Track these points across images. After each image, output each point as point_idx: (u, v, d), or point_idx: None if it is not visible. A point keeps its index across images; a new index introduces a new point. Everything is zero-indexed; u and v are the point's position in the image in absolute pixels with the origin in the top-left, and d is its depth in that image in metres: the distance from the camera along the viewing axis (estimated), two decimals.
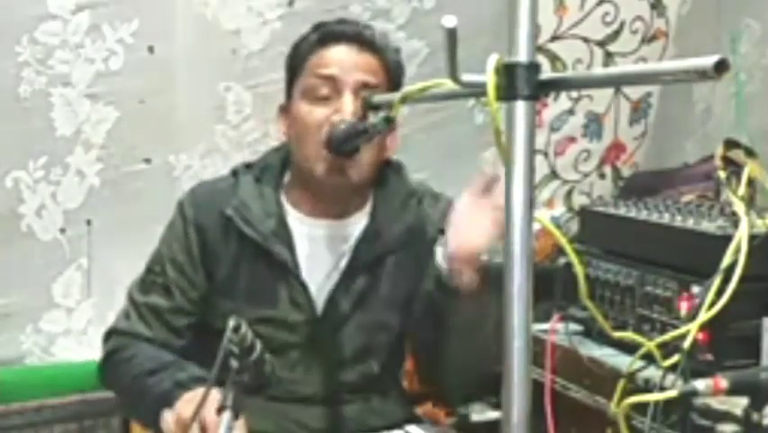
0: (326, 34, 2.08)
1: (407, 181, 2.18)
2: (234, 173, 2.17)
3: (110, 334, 2.12)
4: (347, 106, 2.00)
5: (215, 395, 1.58)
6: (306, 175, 2.07)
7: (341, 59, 2.05)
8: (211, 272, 2.09)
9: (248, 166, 2.18)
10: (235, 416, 1.56)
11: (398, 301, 2.10)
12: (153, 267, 2.13)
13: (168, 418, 1.78)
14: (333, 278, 2.08)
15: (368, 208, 2.13)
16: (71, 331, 2.78)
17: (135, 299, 2.11)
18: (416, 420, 2.15)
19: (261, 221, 2.07)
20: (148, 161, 2.80)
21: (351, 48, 2.06)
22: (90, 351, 2.68)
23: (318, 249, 2.10)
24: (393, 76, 2.11)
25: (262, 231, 2.06)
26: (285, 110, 2.14)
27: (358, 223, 2.11)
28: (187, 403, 1.78)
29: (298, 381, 2.05)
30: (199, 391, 1.80)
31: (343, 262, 2.08)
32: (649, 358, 1.92)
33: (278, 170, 2.15)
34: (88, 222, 2.77)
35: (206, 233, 2.09)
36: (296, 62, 2.11)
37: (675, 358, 1.82)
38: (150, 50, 2.74)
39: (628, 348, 2.09)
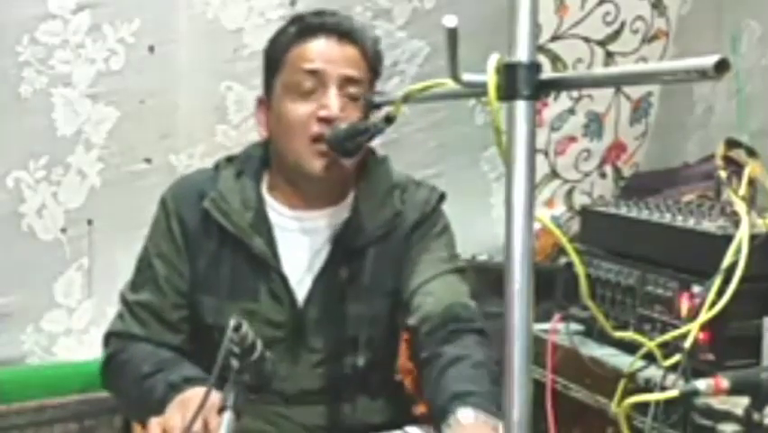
0: (306, 27, 2.06)
1: (391, 174, 2.16)
2: (216, 167, 2.16)
3: (108, 337, 2.11)
4: (332, 102, 1.99)
5: (212, 400, 1.58)
6: (291, 169, 2.06)
7: (323, 52, 2.03)
8: (194, 264, 2.08)
9: (229, 159, 2.17)
10: (237, 416, 1.56)
11: (384, 292, 2.08)
12: (141, 265, 2.12)
13: (153, 424, 1.77)
14: (315, 270, 2.06)
15: (350, 199, 2.11)
16: (72, 331, 2.78)
17: (127, 299, 2.10)
18: (416, 420, 2.15)
19: (240, 214, 2.06)
20: (149, 160, 2.80)
21: (331, 40, 2.04)
22: (91, 351, 2.68)
23: (299, 241, 2.09)
24: (373, 65, 2.10)
25: (240, 224, 2.05)
26: (264, 103, 2.13)
27: (340, 214, 2.10)
28: (176, 407, 1.77)
29: (283, 378, 2.03)
30: (191, 392, 1.80)
31: (324, 254, 2.07)
32: (650, 358, 1.92)
33: (259, 163, 2.14)
34: (89, 222, 2.77)
35: (188, 225, 2.08)
36: (275, 56, 2.08)
37: (676, 358, 1.82)
38: (151, 49, 2.74)
39: (629, 348, 2.09)
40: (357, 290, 2.07)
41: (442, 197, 2.17)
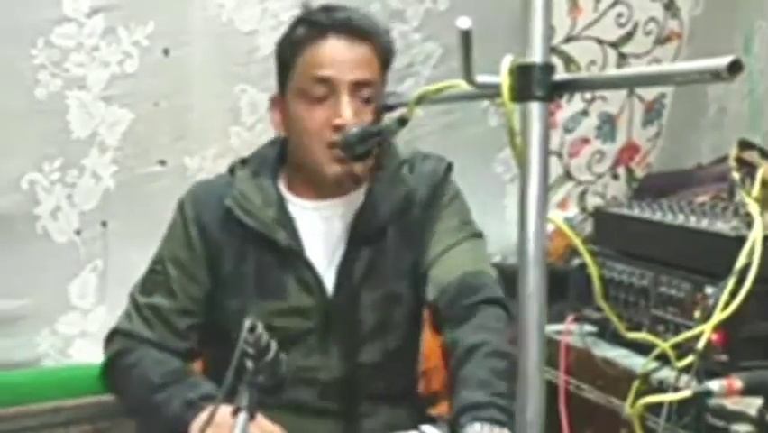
0: (314, 27, 2.04)
1: (397, 151, 2.15)
2: (231, 169, 2.17)
3: (112, 335, 2.11)
4: (345, 110, 1.98)
5: (227, 410, 1.58)
6: (312, 171, 2.06)
7: (333, 57, 2.01)
8: (216, 269, 2.08)
9: (244, 161, 2.17)
10: (251, 417, 1.56)
11: (406, 270, 2.09)
12: (154, 267, 2.12)
13: None
14: (337, 258, 2.07)
15: (365, 184, 2.12)
16: (87, 333, 2.79)
17: (137, 300, 2.10)
18: (430, 421, 2.15)
19: (262, 210, 2.06)
20: (163, 162, 2.81)
21: (341, 41, 2.02)
22: None
23: (321, 230, 2.09)
24: (385, 59, 2.09)
25: (264, 219, 2.05)
26: (278, 102, 2.13)
27: (356, 199, 2.11)
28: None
29: (316, 367, 2.04)
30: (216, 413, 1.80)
31: (345, 241, 2.08)
32: (663, 359, 1.92)
33: (274, 162, 2.15)
34: (104, 224, 2.78)
35: (208, 229, 2.08)
36: (286, 59, 2.08)
37: (689, 359, 1.82)
38: (165, 52, 2.74)
39: (642, 349, 2.09)
40: (381, 272, 2.08)
41: (449, 166, 2.17)
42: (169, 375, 1.97)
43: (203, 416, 1.79)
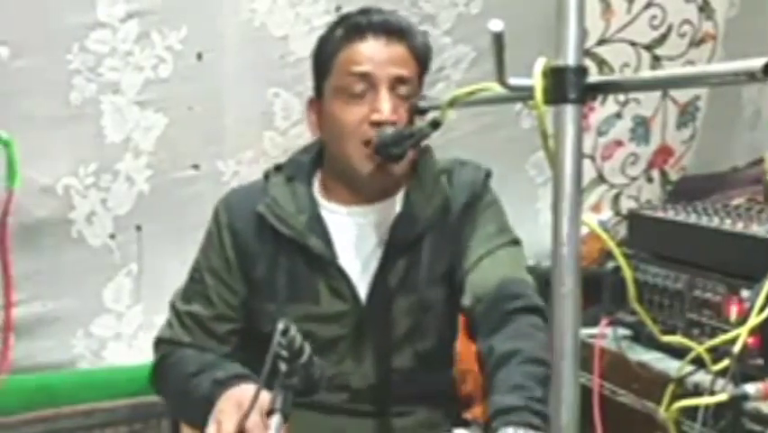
0: (353, 28, 2.06)
1: (435, 161, 2.15)
2: (266, 176, 2.17)
3: (157, 343, 2.14)
4: (384, 105, 1.99)
5: (263, 399, 1.59)
6: (346, 171, 2.07)
7: (371, 54, 2.03)
8: (249, 275, 2.09)
9: (278, 168, 2.18)
10: (285, 419, 1.56)
11: (440, 278, 2.08)
12: (193, 275, 2.14)
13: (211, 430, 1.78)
14: (373, 264, 2.07)
15: (401, 192, 2.12)
16: (121, 335, 2.81)
17: (177, 308, 2.12)
18: (464, 424, 2.15)
19: (294, 217, 2.06)
20: (196, 167, 2.82)
21: (379, 40, 2.04)
22: (140, 355, 2.70)
23: (355, 237, 2.09)
24: (422, 61, 2.10)
25: (296, 226, 2.06)
26: (314, 105, 2.14)
27: (393, 207, 2.10)
28: (226, 402, 1.79)
29: (349, 373, 2.05)
30: (240, 387, 1.82)
31: (381, 248, 2.07)
32: (698, 362, 1.91)
33: (309, 168, 2.15)
34: (138, 228, 2.79)
35: (241, 236, 2.09)
36: (324, 59, 2.09)
37: (725, 362, 1.81)
38: (199, 56, 2.75)
39: (677, 353, 2.08)
40: (415, 281, 2.07)
41: (488, 174, 2.16)
42: (203, 364, 1.99)
43: (228, 393, 1.81)
